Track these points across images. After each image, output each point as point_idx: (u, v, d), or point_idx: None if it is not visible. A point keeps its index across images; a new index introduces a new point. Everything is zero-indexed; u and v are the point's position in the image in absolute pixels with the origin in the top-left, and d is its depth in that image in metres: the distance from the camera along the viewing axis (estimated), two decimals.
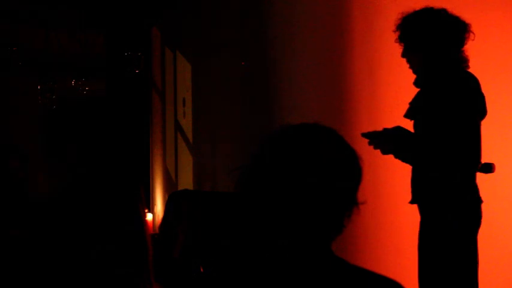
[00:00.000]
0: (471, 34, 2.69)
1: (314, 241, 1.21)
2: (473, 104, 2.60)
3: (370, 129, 2.66)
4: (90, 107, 7.58)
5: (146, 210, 5.86)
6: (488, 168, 2.68)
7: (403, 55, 2.79)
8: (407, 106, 2.81)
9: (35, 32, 7.29)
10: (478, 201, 2.64)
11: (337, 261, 1.23)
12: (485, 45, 2.77)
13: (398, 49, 2.78)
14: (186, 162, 6.70)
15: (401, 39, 2.77)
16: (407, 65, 2.80)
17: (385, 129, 2.65)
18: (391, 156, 2.66)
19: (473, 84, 2.62)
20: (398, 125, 2.65)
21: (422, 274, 2.68)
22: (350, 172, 1.20)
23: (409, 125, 2.75)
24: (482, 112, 2.65)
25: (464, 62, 2.70)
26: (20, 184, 5.31)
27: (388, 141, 2.63)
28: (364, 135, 2.63)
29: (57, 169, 7.26)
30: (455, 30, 2.69)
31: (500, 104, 2.72)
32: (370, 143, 2.64)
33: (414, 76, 2.79)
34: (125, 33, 7.45)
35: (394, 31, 2.77)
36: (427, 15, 2.72)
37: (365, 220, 2.82)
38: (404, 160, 2.71)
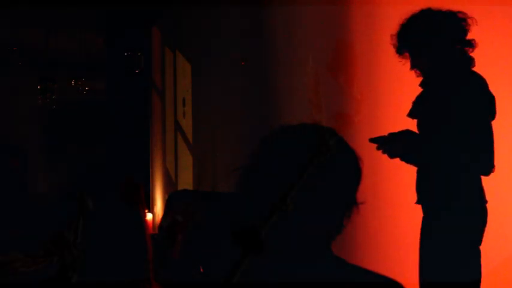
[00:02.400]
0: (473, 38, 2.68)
1: (314, 241, 1.21)
2: (487, 106, 2.60)
3: (370, 129, 2.66)
4: (90, 107, 7.58)
5: (146, 210, 5.86)
6: None
7: (407, 58, 2.77)
8: (408, 105, 2.81)
9: (35, 32, 7.29)
10: (483, 201, 2.65)
11: (337, 261, 1.23)
12: (486, 47, 2.77)
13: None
14: (186, 162, 6.71)
15: (404, 47, 2.75)
16: (408, 65, 2.79)
17: (391, 134, 2.65)
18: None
19: (484, 85, 2.62)
20: (407, 128, 2.65)
21: (424, 273, 2.68)
22: (350, 172, 1.20)
23: (411, 124, 2.75)
24: (493, 113, 2.65)
25: (469, 61, 2.69)
26: (20, 184, 5.30)
27: (397, 144, 2.63)
28: (372, 140, 2.64)
29: (57, 169, 7.26)
30: (457, 28, 2.68)
31: (498, 104, 2.72)
32: (378, 148, 2.64)
33: (414, 75, 2.79)
34: (125, 33, 7.45)
35: (395, 41, 2.75)
36: (427, 16, 2.71)
37: (365, 220, 2.82)
38: (411, 163, 2.71)
